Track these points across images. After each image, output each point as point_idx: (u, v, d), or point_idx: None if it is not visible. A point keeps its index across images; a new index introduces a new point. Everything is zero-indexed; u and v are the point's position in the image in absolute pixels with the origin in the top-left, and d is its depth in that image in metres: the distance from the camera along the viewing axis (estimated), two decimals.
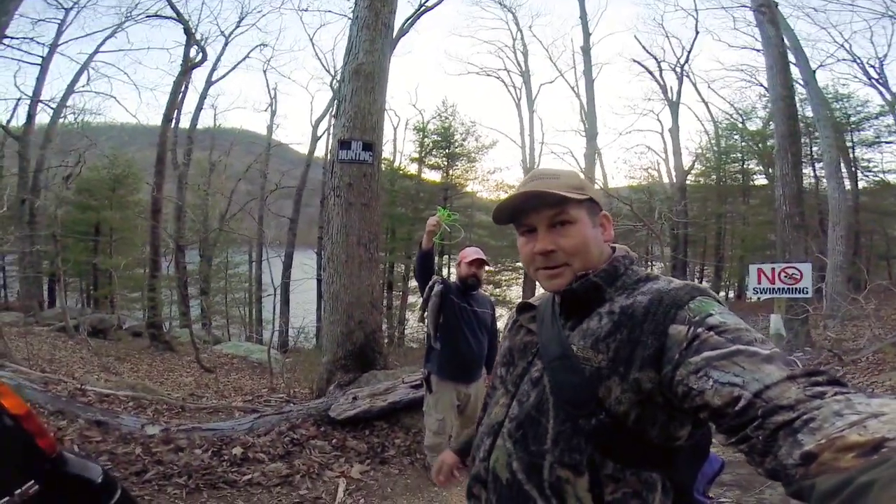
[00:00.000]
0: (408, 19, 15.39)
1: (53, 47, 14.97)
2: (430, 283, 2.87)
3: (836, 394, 0.54)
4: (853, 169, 18.14)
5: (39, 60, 14.69)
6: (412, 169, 20.63)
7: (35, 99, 14.59)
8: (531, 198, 0.86)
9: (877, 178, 19.24)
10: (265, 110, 22.26)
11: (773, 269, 4.86)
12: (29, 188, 13.88)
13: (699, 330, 0.69)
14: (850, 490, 0.42)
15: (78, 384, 4.98)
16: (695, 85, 25.64)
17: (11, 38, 12.48)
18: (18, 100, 15.43)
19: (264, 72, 21.20)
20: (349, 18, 5.29)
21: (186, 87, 15.92)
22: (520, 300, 1.10)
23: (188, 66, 14.16)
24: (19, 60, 14.31)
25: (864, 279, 11.82)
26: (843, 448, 0.46)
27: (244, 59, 21.61)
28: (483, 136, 21.18)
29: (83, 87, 16.07)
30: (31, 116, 14.71)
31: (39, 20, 14.92)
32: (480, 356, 3.05)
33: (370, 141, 4.75)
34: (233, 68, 21.23)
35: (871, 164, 19.08)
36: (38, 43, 14.86)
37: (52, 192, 14.66)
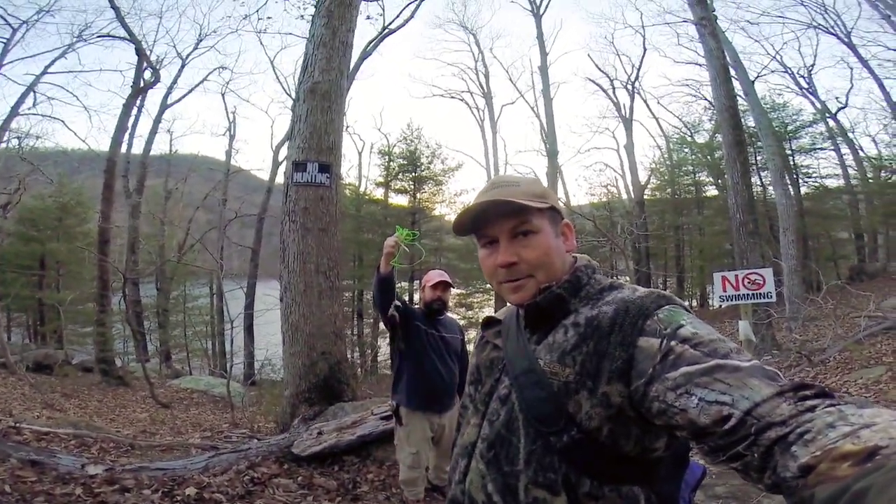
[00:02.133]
0: (371, 41, 15.49)
1: None
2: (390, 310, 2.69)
3: (828, 406, 0.54)
4: (795, 176, 19.24)
5: None
6: (378, 193, 20.52)
7: None
8: (491, 207, 0.83)
9: (816, 184, 20.52)
10: (224, 135, 21.68)
11: (736, 276, 4.96)
12: None
13: (672, 343, 0.67)
14: (848, 497, 0.43)
15: (12, 422, 4.58)
16: (645, 101, 26.76)
17: None
18: None
19: (223, 95, 20.80)
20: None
21: (140, 111, 15.36)
22: (486, 316, 1.03)
23: (140, 88, 13.65)
24: None
25: (818, 281, 12.40)
26: (838, 458, 0.47)
27: (201, 81, 21.01)
28: (449, 158, 21.41)
29: (28, 109, 15.23)
30: None
31: None
32: (451, 384, 2.89)
33: (327, 162, 4.59)
34: (189, 91, 20.55)
35: (810, 171, 20.35)
36: None
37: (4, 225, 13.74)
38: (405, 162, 20.19)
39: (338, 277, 4.80)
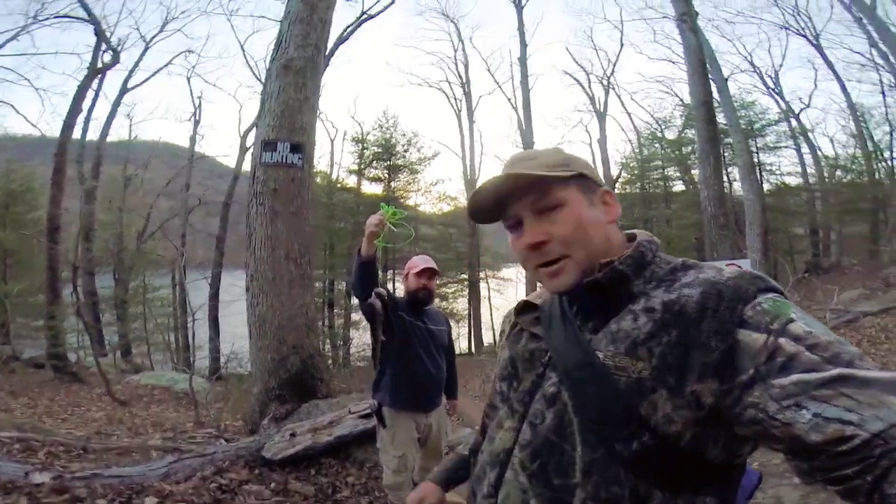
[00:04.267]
0: (349, 26, 15.02)
1: None
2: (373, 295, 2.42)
3: None
4: (759, 172, 19.89)
5: None
6: (351, 181, 20.09)
7: None
8: (503, 185, 0.73)
9: (777, 181, 21.34)
10: (189, 120, 20.66)
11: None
12: None
13: (781, 340, 0.56)
14: None
15: None
16: (619, 96, 27.24)
17: None
18: None
19: (188, 79, 19.65)
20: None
21: (97, 95, 14.46)
22: (522, 300, 0.89)
23: (97, 69, 12.88)
24: None
25: (776, 274, 12.85)
26: None
27: (166, 65, 19.66)
28: (425, 147, 20.95)
29: None
30: None
31: None
32: (440, 380, 2.69)
33: (299, 142, 4.28)
34: (152, 74, 19.28)
35: (773, 168, 21.12)
36: None
37: None
38: (380, 150, 19.80)
39: (309, 265, 4.54)
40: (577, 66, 23.69)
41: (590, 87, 23.62)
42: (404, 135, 20.08)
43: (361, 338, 16.60)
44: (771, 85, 20.43)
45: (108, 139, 16.93)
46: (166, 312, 19.96)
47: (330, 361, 15.58)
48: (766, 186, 20.80)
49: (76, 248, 12.09)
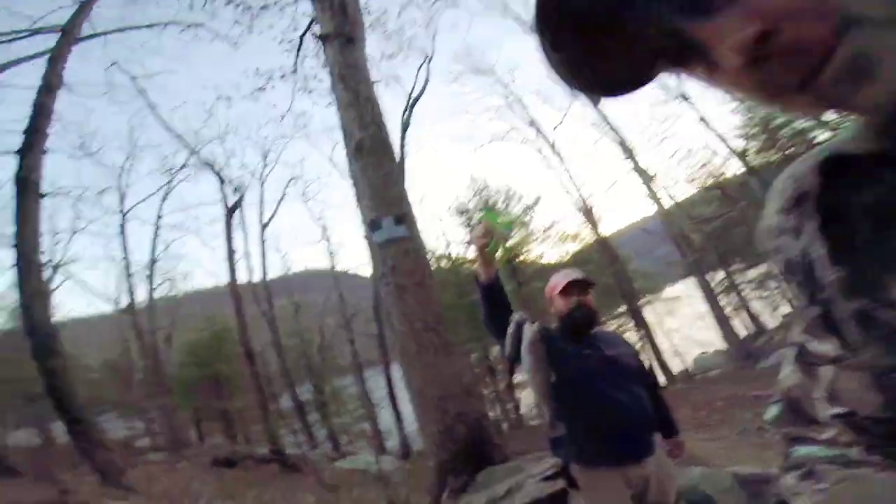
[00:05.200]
0: (404, 111, 16.08)
1: (123, 216, 17.22)
2: (513, 324, 1.74)
3: None
4: None
5: (119, 230, 17.03)
6: (468, 254, 20.27)
7: (127, 272, 16.85)
8: None
9: None
10: (320, 241, 24.05)
11: None
12: (152, 354, 16.40)
13: None
14: None
15: None
16: None
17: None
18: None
19: (305, 203, 23.06)
20: None
21: (246, 235, 17.67)
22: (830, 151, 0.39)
23: (229, 209, 15.01)
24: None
25: None
26: None
27: (282, 198, 22.93)
28: (524, 196, 20.30)
29: (161, 253, 18.33)
30: (131, 290, 17.15)
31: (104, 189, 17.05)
32: (643, 416, 1.86)
33: (400, 213, 4.45)
34: (277, 207, 23.56)
35: None
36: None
37: (169, 354, 16.44)
38: (482, 213, 19.83)
39: (446, 331, 4.49)
40: None
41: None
42: (498, 191, 19.79)
43: (529, 397, 16.02)
44: None
45: (270, 274, 20.57)
46: (357, 405, 22.55)
47: (505, 425, 15.20)
48: None
49: (281, 367, 14.47)
